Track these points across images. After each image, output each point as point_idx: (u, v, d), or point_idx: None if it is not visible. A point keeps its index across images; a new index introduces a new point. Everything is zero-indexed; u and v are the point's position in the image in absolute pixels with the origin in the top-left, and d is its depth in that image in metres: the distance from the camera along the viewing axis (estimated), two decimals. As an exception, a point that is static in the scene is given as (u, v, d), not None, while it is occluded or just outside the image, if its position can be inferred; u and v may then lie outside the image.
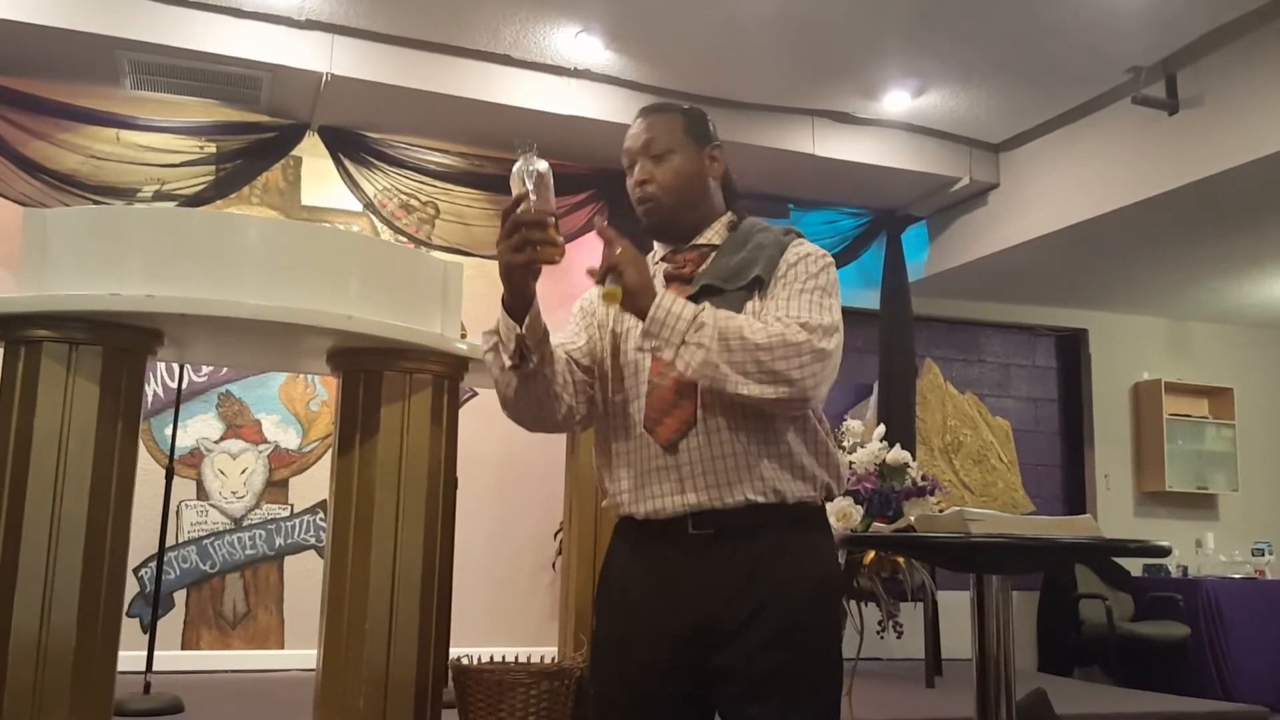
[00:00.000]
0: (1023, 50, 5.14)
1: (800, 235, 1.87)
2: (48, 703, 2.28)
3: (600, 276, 1.67)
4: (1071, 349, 7.88)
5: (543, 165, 1.63)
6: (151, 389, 5.39)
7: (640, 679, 1.73)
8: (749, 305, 1.74)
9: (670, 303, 1.65)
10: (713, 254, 1.84)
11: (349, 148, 5.75)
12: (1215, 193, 5.22)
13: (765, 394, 1.61)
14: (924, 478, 4.88)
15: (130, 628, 4.84)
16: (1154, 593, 7.01)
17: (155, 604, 4.33)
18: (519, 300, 1.65)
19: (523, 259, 1.59)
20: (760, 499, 1.68)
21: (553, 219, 1.62)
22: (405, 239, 5.76)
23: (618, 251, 1.66)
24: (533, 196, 1.60)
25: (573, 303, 1.95)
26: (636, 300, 1.65)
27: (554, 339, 1.75)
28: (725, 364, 1.60)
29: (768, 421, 1.70)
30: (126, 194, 5.31)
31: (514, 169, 1.64)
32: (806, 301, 1.72)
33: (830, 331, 1.67)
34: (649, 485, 1.72)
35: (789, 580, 1.69)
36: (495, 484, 5.79)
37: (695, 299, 1.71)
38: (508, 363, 1.68)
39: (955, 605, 5.79)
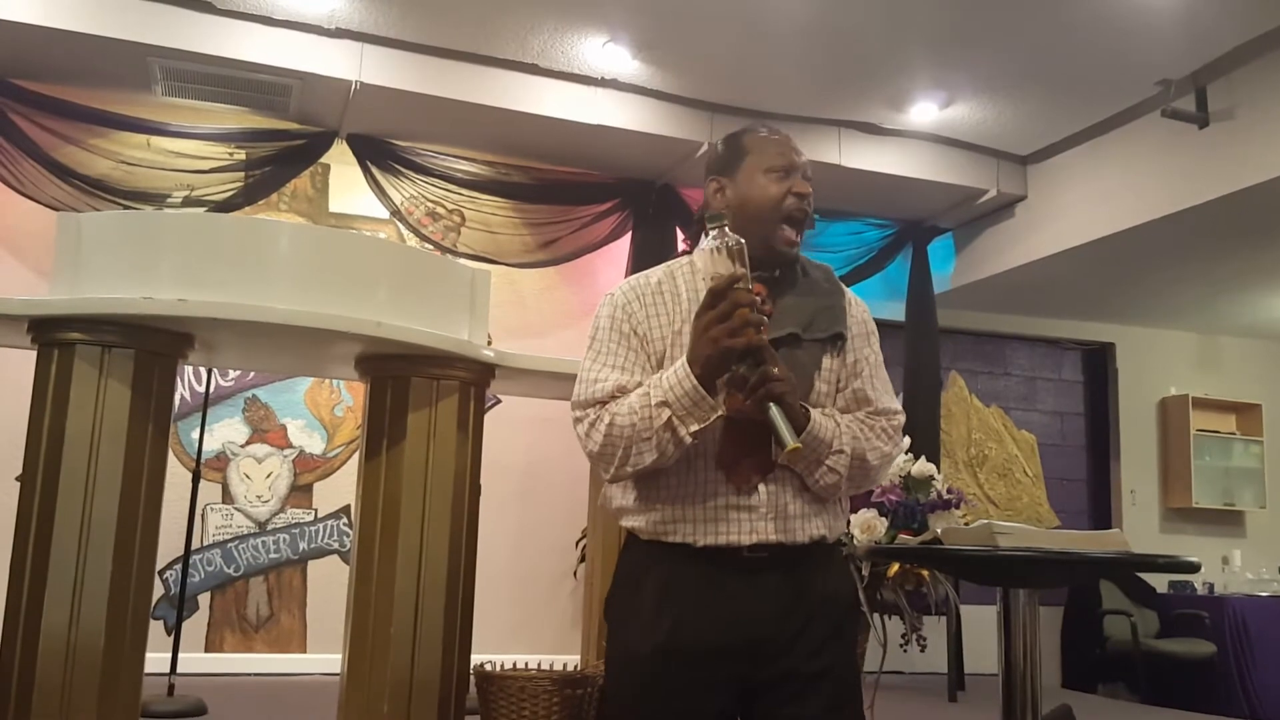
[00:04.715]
0: (1051, 62, 5.12)
1: (831, 271, 1.95)
2: (76, 702, 2.30)
3: (754, 394, 1.60)
4: (1098, 363, 7.82)
5: (738, 240, 1.63)
6: (179, 393, 5.42)
7: (685, 694, 1.70)
8: (825, 361, 1.80)
9: (819, 429, 1.70)
10: (769, 285, 1.83)
11: (377, 155, 5.79)
12: (1245, 207, 5.18)
13: (853, 492, 1.83)
14: (949, 490, 4.84)
15: (155, 630, 4.86)
16: (1180, 610, 6.94)
17: (180, 606, 4.37)
18: (716, 377, 1.63)
19: (742, 342, 1.58)
20: (809, 540, 1.75)
21: (759, 298, 1.63)
22: (431, 246, 5.79)
23: (775, 371, 1.61)
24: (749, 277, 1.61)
25: (595, 313, 1.87)
26: (792, 423, 1.63)
27: (622, 377, 1.73)
28: (847, 484, 1.76)
29: None
30: (156, 199, 5.36)
31: (707, 243, 1.64)
32: (887, 387, 1.89)
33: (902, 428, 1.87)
34: (718, 522, 1.71)
35: (832, 594, 1.79)
36: (518, 491, 5.80)
37: (776, 344, 1.71)
38: (688, 439, 1.65)
39: (978, 619, 5.74)
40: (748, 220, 1.79)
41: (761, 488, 1.71)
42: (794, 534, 1.72)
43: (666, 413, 1.64)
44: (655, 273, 1.86)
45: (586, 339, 1.83)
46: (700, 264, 1.64)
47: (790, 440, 1.59)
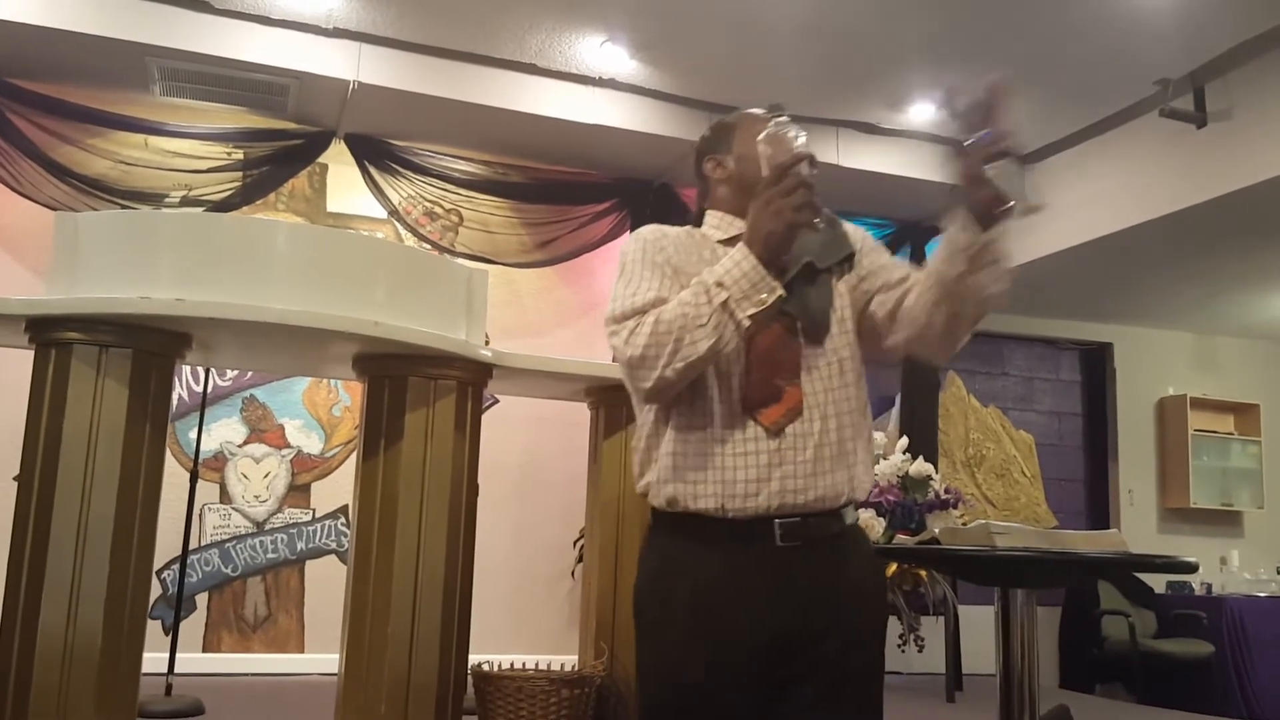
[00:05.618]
0: (1050, 62, 5.12)
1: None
2: (73, 702, 2.30)
3: (990, 156, 1.64)
4: (1096, 363, 7.83)
5: (798, 129, 1.67)
6: (176, 393, 5.42)
7: (715, 686, 1.64)
8: (841, 287, 1.79)
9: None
10: None
11: (375, 155, 5.78)
12: (1243, 207, 5.18)
13: (949, 341, 1.76)
14: (947, 490, 4.85)
15: (152, 630, 4.85)
16: (1178, 610, 6.94)
17: (178, 606, 4.36)
18: (777, 260, 1.62)
19: (806, 218, 1.60)
20: (847, 491, 1.69)
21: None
22: (429, 246, 5.79)
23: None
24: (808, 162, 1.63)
25: (620, 251, 1.82)
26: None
27: (661, 292, 1.67)
28: (965, 323, 1.75)
29: (861, 412, 1.74)
30: (154, 199, 5.35)
31: (768, 132, 1.67)
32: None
33: None
34: (748, 469, 1.65)
35: (861, 588, 1.72)
36: (515, 492, 5.80)
37: (795, 279, 1.70)
38: (747, 322, 1.60)
39: (976, 619, 5.75)
40: (752, 180, 1.72)
41: (789, 429, 1.66)
42: (820, 483, 1.65)
43: (723, 293, 1.59)
44: (672, 229, 1.85)
45: (616, 271, 1.78)
46: (764, 149, 1.66)
47: (1028, 197, 1.63)
